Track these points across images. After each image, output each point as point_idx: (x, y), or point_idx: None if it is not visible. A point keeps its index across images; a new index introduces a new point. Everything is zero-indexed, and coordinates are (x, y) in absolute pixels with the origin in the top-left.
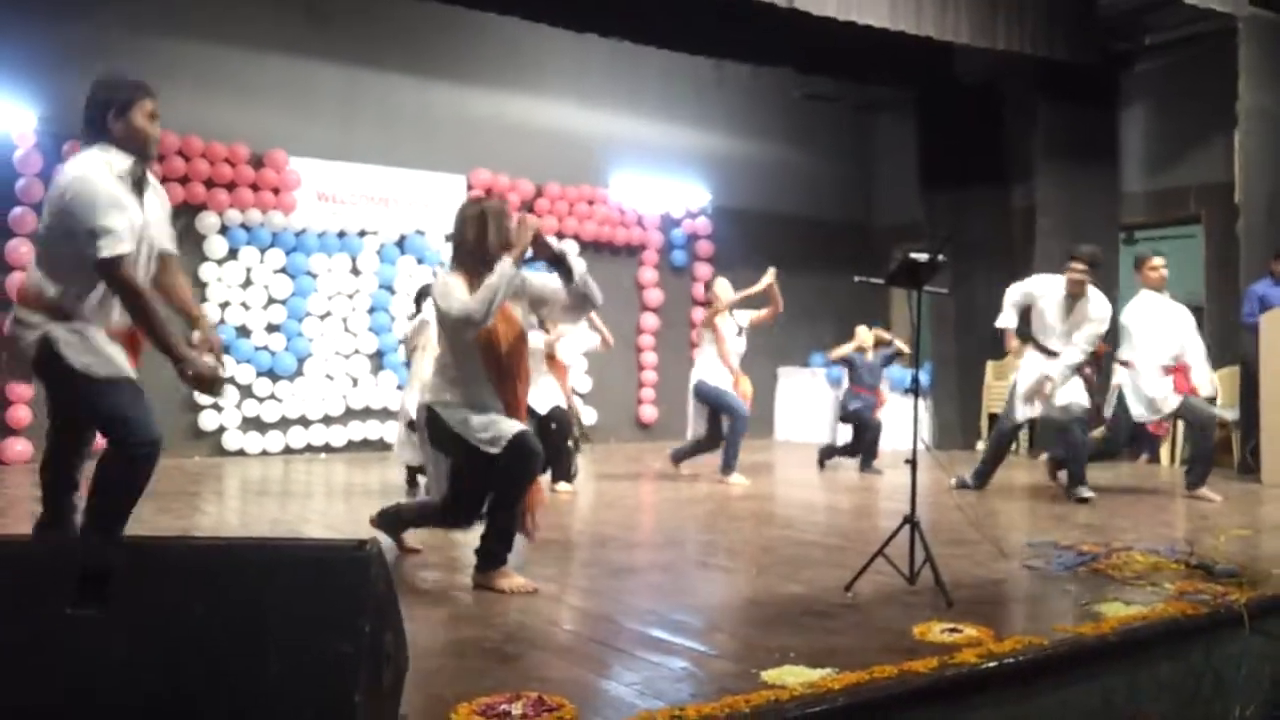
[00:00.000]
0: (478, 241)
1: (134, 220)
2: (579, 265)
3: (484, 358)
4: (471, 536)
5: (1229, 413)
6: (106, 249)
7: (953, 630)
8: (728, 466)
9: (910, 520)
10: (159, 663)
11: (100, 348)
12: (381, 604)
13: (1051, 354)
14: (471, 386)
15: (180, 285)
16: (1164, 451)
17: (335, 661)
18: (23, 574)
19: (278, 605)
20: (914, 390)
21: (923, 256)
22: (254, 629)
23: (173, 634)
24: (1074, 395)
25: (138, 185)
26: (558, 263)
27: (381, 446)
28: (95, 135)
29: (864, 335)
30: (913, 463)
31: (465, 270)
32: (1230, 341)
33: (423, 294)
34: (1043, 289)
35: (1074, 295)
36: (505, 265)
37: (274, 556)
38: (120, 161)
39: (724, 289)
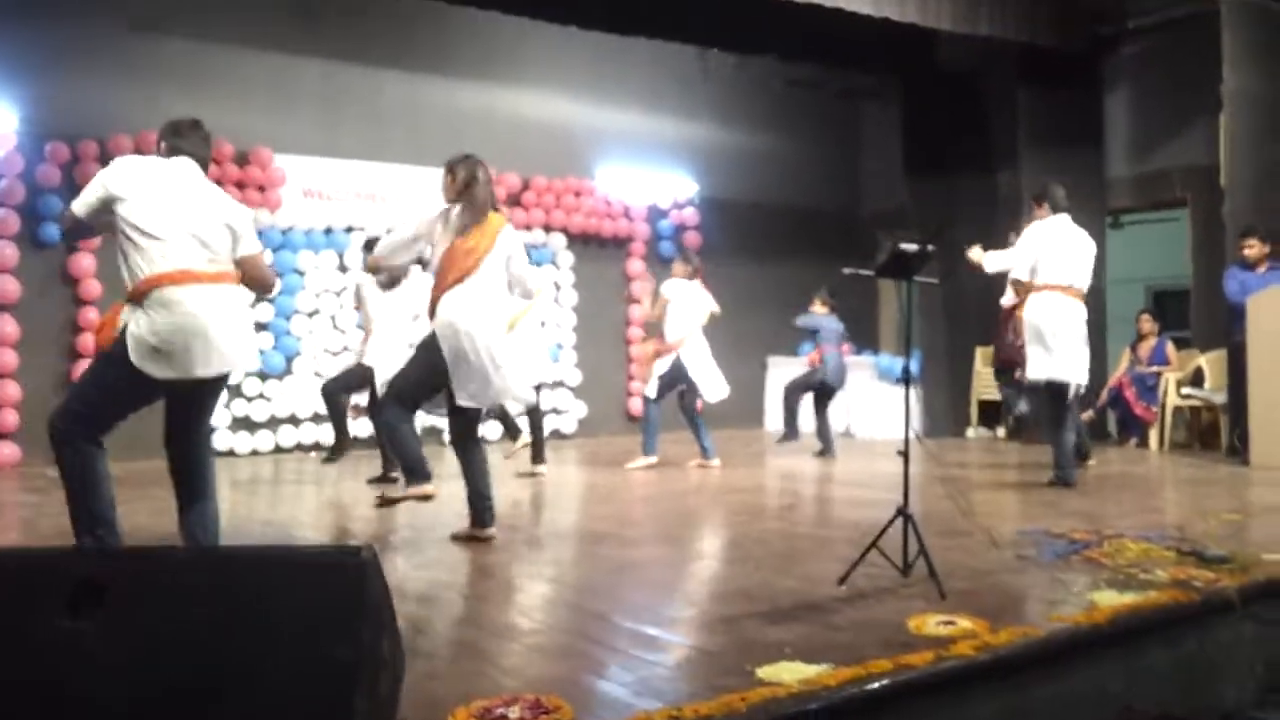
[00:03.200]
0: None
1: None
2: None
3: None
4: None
5: (1217, 396)
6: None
7: (948, 623)
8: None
9: (903, 512)
10: (156, 671)
11: None
12: (379, 610)
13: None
14: None
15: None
16: (1152, 435)
17: (334, 668)
18: (13, 585)
19: (275, 613)
20: (905, 380)
21: (912, 247)
22: (252, 637)
23: (170, 642)
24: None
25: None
26: None
27: (372, 444)
28: None
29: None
30: (905, 454)
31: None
32: (1217, 324)
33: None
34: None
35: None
36: None
37: (271, 563)
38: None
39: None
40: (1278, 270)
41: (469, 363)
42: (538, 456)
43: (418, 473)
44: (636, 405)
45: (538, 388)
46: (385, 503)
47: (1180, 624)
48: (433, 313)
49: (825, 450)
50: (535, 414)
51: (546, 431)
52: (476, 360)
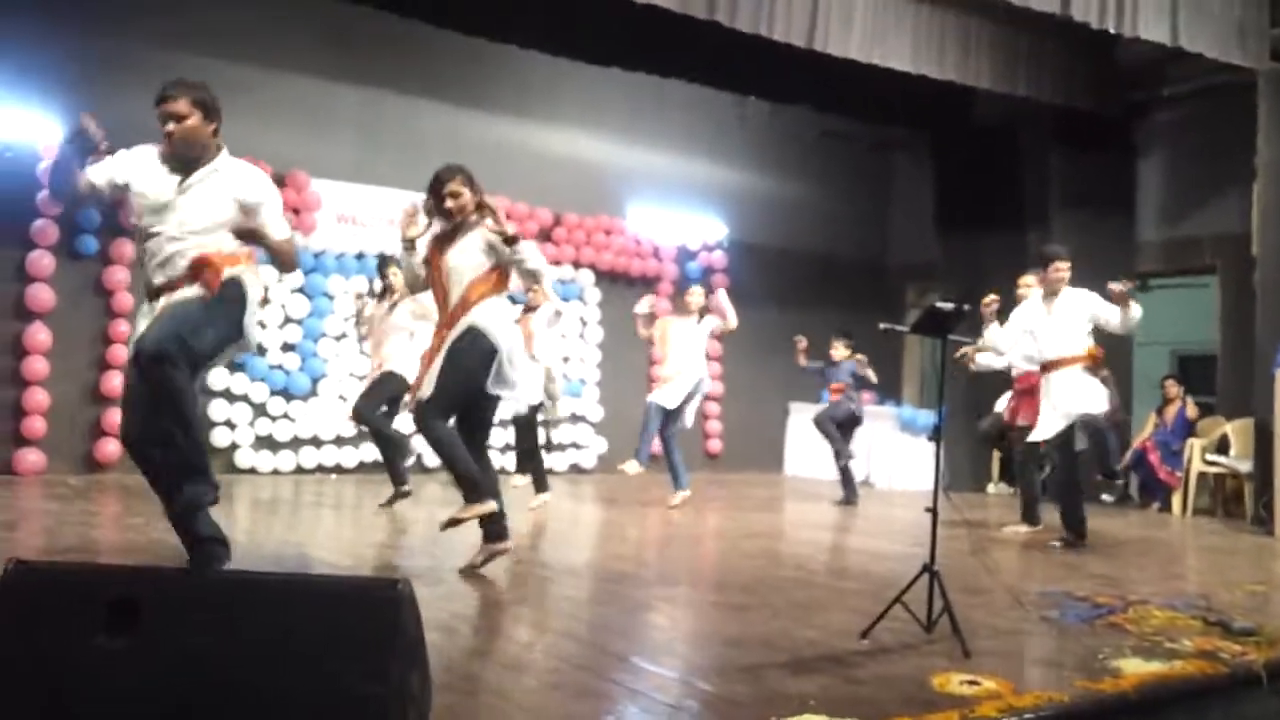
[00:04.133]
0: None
1: (130, 182)
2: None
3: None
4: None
5: (1242, 464)
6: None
7: (972, 682)
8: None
9: (929, 569)
10: (185, 697)
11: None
12: (410, 645)
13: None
14: None
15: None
16: (1176, 500)
17: (363, 702)
18: (49, 600)
19: (308, 641)
20: (936, 437)
21: (948, 305)
22: (284, 664)
23: (199, 667)
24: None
25: (180, 164)
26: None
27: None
28: None
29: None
30: (933, 510)
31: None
32: (1244, 392)
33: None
34: (1027, 310)
35: (1054, 294)
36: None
37: (305, 592)
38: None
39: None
40: None
41: (509, 365)
42: (540, 484)
43: (480, 488)
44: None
45: (538, 405)
46: (450, 524)
47: (1206, 696)
48: (457, 320)
49: (848, 498)
50: (531, 436)
51: (566, 466)
52: (512, 362)
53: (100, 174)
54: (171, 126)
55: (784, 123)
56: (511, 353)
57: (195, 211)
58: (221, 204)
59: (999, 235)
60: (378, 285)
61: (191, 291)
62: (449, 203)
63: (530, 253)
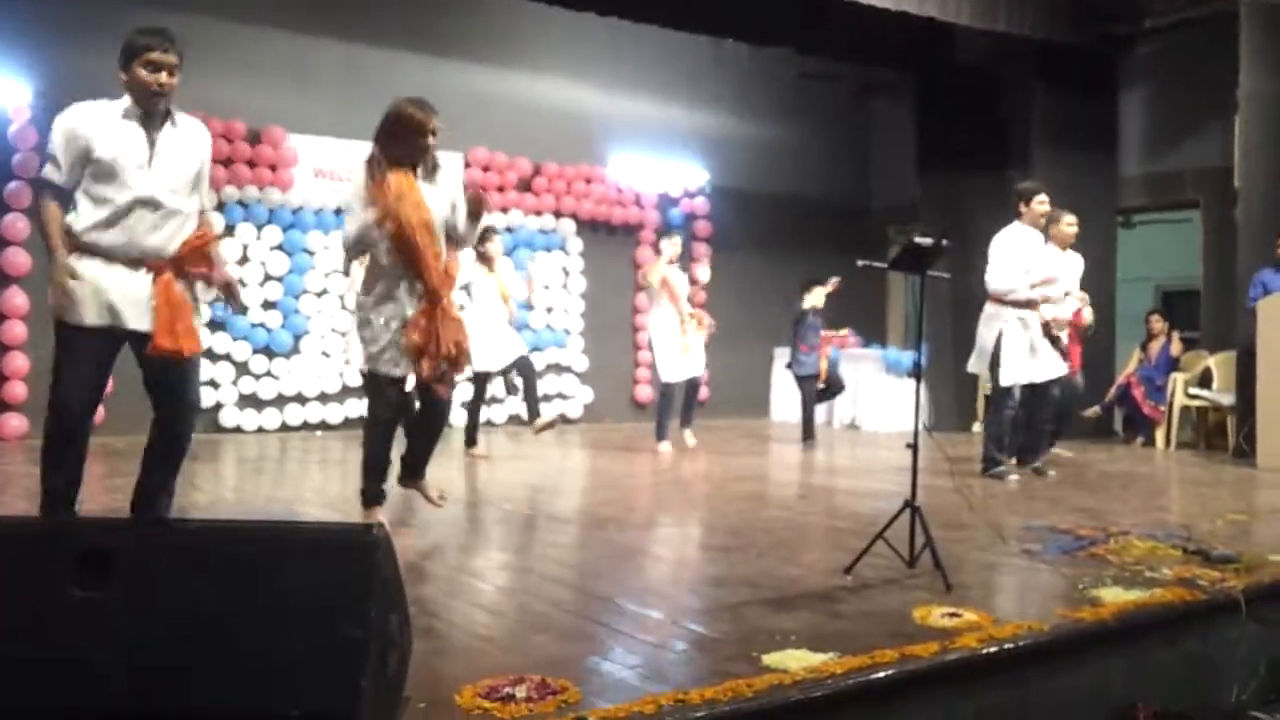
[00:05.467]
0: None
1: (91, 148)
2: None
3: (395, 246)
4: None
5: (1225, 397)
6: (48, 172)
7: (953, 615)
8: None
9: (911, 504)
10: (163, 645)
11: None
12: (388, 588)
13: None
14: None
15: (195, 236)
16: (1159, 434)
17: (342, 645)
18: (22, 553)
19: (285, 588)
20: (916, 374)
21: (927, 241)
22: (261, 611)
23: (178, 617)
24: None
25: (146, 124)
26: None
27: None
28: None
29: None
30: (914, 446)
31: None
32: (1226, 326)
33: None
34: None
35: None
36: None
37: (281, 540)
38: (124, 105)
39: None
40: None
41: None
42: (470, 440)
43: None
44: (643, 392)
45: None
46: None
47: (1185, 623)
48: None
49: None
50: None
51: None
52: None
53: (62, 173)
54: (164, 78)
55: (763, 65)
56: None
57: (171, 170)
58: (189, 161)
59: (981, 174)
60: None
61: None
62: (430, 140)
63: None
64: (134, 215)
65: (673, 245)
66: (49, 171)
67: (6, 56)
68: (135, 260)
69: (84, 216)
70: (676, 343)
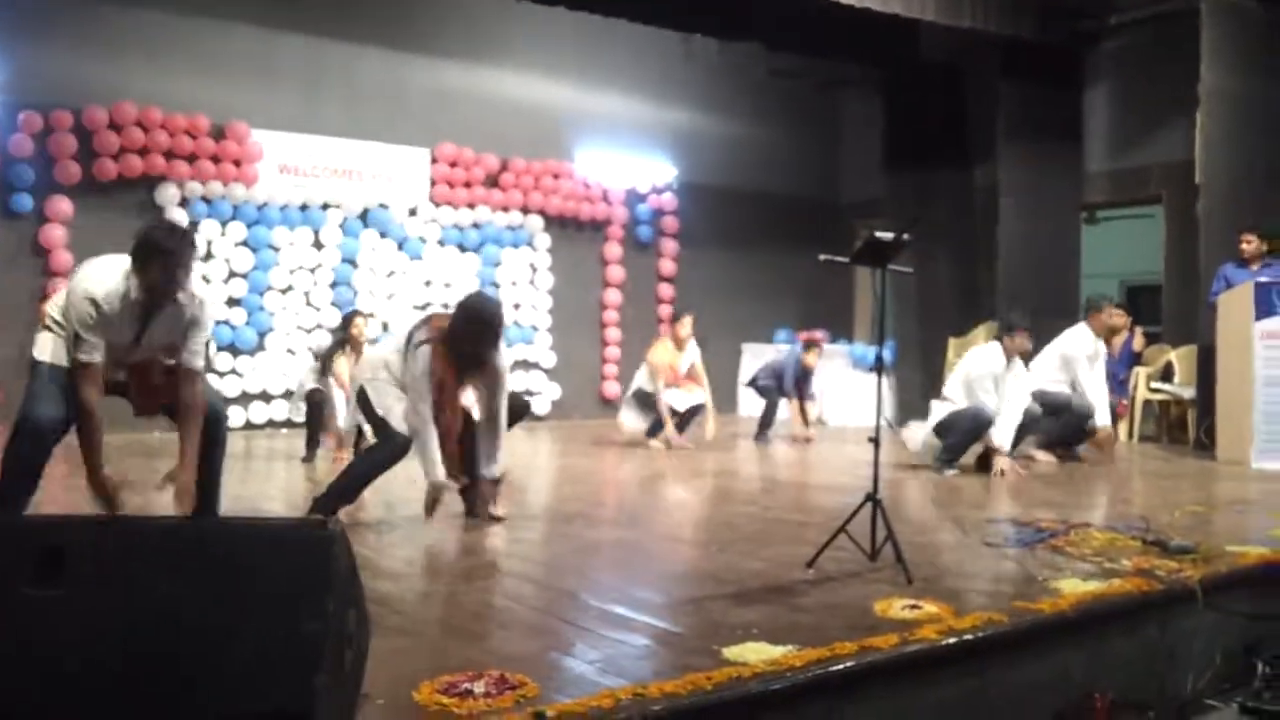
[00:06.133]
0: (467, 342)
1: (112, 338)
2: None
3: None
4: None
5: (1186, 391)
6: (83, 354)
7: (913, 607)
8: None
9: (872, 498)
10: (120, 642)
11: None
12: (345, 583)
13: None
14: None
15: (186, 403)
16: (1122, 429)
17: (299, 641)
18: None
19: (241, 584)
20: (878, 368)
21: (887, 236)
22: (216, 607)
23: (134, 613)
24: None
25: (145, 311)
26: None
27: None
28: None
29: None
30: (875, 440)
31: (446, 354)
32: (1188, 320)
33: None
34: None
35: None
36: (436, 476)
37: (238, 535)
38: (131, 288)
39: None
40: (1270, 268)
41: None
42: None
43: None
44: (610, 388)
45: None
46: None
47: (1142, 612)
48: None
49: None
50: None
51: None
52: None
53: (98, 352)
54: (178, 277)
55: (731, 61)
56: None
57: (155, 342)
58: (172, 334)
59: (947, 170)
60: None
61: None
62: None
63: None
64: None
65: (681, 326)
66: (86, 353)
67: None
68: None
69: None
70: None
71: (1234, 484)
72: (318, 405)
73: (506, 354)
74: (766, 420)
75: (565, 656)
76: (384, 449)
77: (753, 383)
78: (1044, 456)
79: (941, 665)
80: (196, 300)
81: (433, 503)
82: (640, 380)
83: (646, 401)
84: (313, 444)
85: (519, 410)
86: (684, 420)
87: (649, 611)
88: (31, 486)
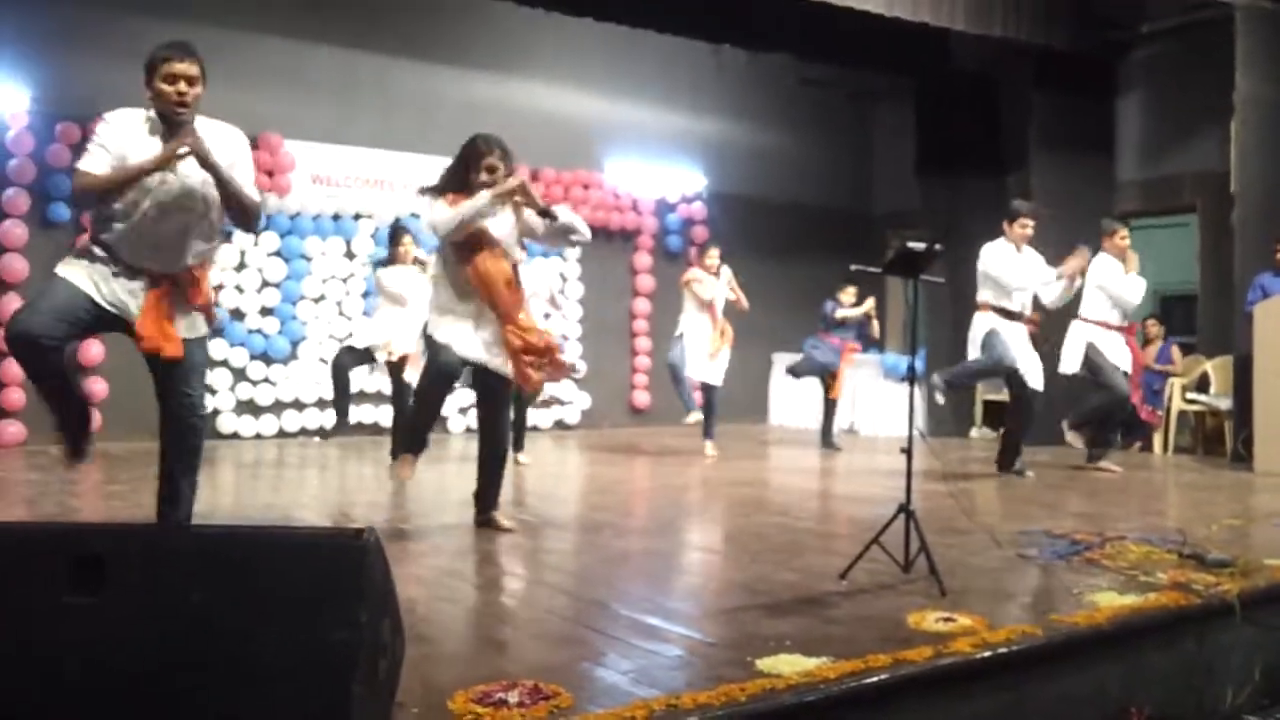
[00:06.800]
0: (461, 171)
1: (125, 155)
2: (564, 214)
3: (481, 293)
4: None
5: (1222, 402)
6: (84, 163)
7: (947, 619)
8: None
9: (905, 509)
10: (155, 650)
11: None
12: (379, 592)
13: (1012, 314)
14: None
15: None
16: (1156, 439)
17: (333, 650)
18: (14, 559)
19: (276, 593)
20: (910, 378)
21: (919, 246)
22: (252, 617)
23: (170, 621)
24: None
25: (168, 138)
26: (543, 213)
27: (375, 430)
28: None
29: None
30: (908, 451)
31: (449, 191)
32: (1224, 330)
33: (396, 230)
34: (1003, 253)
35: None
36: (479, 199)
37: (273, 544)
38: (149, 117)
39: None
40: None
41: None
42: (517, 444)
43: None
44: (640, 398)
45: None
46: None
47: (1180, 626)
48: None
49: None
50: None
51: (550, 422)
52: None
53: (103, 164)
54: (185, 89)
55: (762, 71)
56: None
57: (188, 182)
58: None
59: (979, 179)
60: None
61: (199, 324)
62: (484, 176)
63: (567, 215)
64: (132, 228)
65: (708, 256)
66: (87, 162)
67: (3, 63)
68: (135, 271)
69: (100, 219)
70: (705, 348)
71: (1272, 496)
72: (343, 370)
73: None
74: (827, 426)
75: (597, 666)
76: (428, 369)
77: (792, 370)
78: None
79: (976, 679)
80: (222, 132)
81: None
82: (673, 355)
83: (674, 373)
84: (342, 415)
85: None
86: (708, 423)
87: (681, 622)
88: (56, 388)
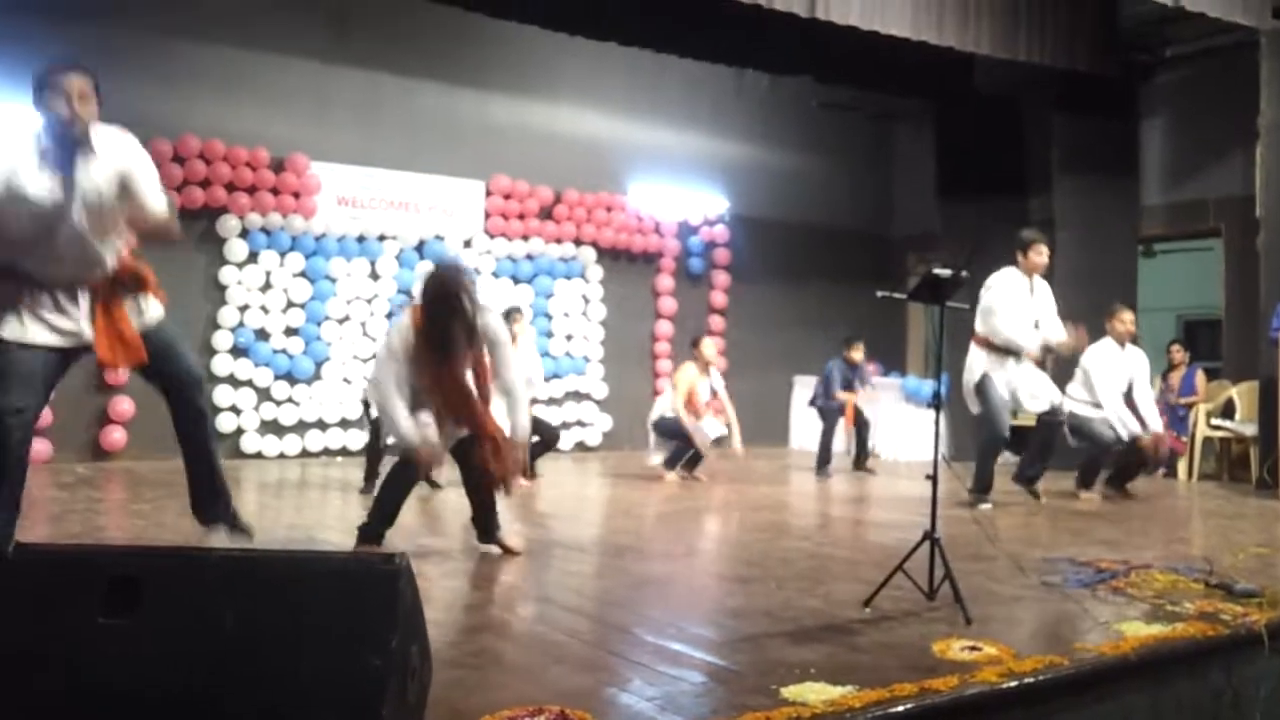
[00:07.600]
0: (433, 321)
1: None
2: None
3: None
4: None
5: (1248, 428)
6: None
7: (973, 648)
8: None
9: (930, 536)
10: (187, 674)
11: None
12: (410, 618)
13: (1008, 352)
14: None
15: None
16: (1181, 466)
17: (364, 675)
18: (49, 581)
19: (309, 617)
20: (935, 405)
21: (945, 272)
22: (285, 641)
23: (203, 643)
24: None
25: (61, 154)
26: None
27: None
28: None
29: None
30: (933, 478)
31: (419, 335)
32: (1249, 355)
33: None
34: (1012, 283)
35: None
36: (409, 436)
37: (304, 568)
38: (37, 136)
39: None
40: None
41: None
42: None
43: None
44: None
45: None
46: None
47: (1207, 657)
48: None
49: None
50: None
51: (571, 444)
52: None
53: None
54: (79, 106)
55: (783, 94)
56: None
57: (90, 197)
58: (107, 181)
59: (1002, 202)
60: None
61: (153, 305)
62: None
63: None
64: (44, 251)
65: (705, 347)
66: None
67: (26, 86)
68: (67, 284)
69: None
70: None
71: None
72: (377, 428)
73: (494, 320)
74: (825, 453)
75: (623, 692)
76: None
77: (812, 402)
78: (1087, 495)
79: (1002, 708)
80: (113, 139)
81: (422, 466)
82: (662, 407)
83: (666, 430)
84: (372, 474)
85: (549, 439)
86: (696, 458)
87: (705, 648)
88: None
